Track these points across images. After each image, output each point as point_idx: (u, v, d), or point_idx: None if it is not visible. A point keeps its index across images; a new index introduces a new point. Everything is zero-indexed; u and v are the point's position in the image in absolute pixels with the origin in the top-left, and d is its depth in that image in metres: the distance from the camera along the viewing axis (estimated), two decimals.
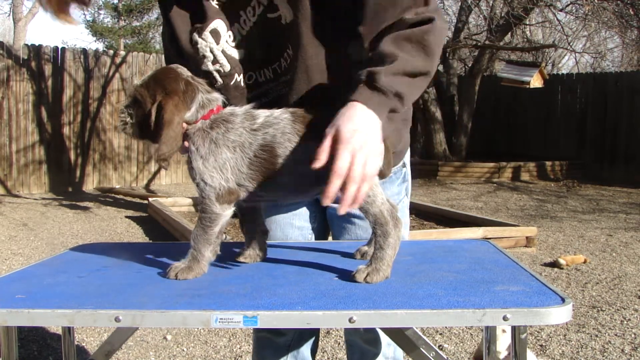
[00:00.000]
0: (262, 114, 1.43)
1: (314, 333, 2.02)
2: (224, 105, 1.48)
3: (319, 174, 1.37)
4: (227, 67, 1.61)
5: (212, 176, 1.39)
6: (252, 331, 3.35)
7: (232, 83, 1.62)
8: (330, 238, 1.94)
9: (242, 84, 1.62)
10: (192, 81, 1.44)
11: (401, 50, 1.39)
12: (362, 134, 1.29)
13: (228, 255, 1.57)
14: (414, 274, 1.42)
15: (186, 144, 1.44)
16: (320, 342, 3.46)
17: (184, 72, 1.45)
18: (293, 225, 1.86)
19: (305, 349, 1.98)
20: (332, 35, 1.54)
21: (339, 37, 1.54)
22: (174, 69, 1.46)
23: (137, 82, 1.45)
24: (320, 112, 1.42)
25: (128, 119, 1.44)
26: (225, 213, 1.42)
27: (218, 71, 1.61)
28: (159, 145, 1.38)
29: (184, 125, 1.43)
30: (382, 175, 1.43)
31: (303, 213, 1.87)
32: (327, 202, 1.29)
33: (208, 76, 1.60)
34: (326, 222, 1.91)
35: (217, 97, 1.47)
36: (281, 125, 1.40)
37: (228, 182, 1.39)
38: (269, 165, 1.40)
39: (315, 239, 1.91)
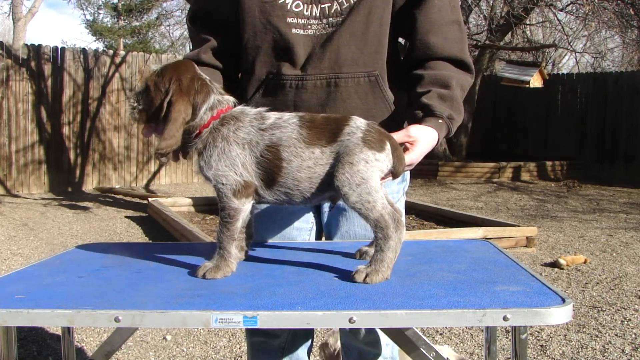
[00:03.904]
0: (273, 115, 1.45)
1: (308, 334, 2.01)
2: (234, 106, 1.50)
3: (324, 180, 1.38)
4: None
5: (226, 176, 1.41)
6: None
7: (279, 1, 1.67)
8: (323, 238, 1.94)
9: (288, 7, 1.67)
10: (209, 83, 1.47)
11: (461, 102, 1.69)
12: (421, 157, 1.61)
13: None
14: (414, 274, 1.42)
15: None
16: (320, 342, 3.45)
17: (202, 74, 1.48)
18: (292, 226, 1.87)
19: (301, 350, 1.98)
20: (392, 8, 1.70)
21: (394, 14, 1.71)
22: (192, 66, 1.48)
23: (154, 69, 1.47)
24: (326, 117, 1.44)
25: (136, 104, 1.46)
26: (245, 207, 1.44)
27: None
28: (159, 141, 1.41)
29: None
30: (395, 174, 1.44)
31: (302, 214, 1.87)
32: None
33: None
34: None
35: (229, 99, 1.49)
36: (288, 129, 1.41)
37: (242, 176, 1.41)
38: (273, 167, 1.41)
39: (314, 239, 1.91)
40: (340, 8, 1.66)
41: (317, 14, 1.67)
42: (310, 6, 1.67)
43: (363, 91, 1.68)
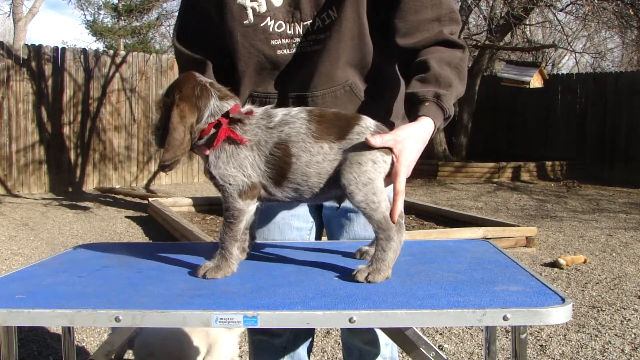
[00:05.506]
0: (280, 112, 1.44)
1: (309, 333, 2.02)
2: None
3: (332, 176, 1.38)
4: (264, 9, 1.65)
5: (234, 176, 1.40)
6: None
7: (261, 25, 1.65)
8: (325, 238, 1.94)
9: (271, 29, 1.66)
10: (209, 87, 1.44)
11: (451, 75, 1.56)
12: (418, 153, 1.45)
13: None
14: (414, 274, 1.43)
15: (206, 151, 1.44)
16: (320, 342, 3.46)
17: (203, 79, 1.46)
18: (291, 226, 1.86)
19: (302, 349, 1.98)
20: (370, 19, 1.65)
21: (373, 25, 1.65)
22: (193, 75, 1.46)
23: (161, 93, 1.46)
24: (336, 113, 1.44)
25: (157, 132, 1.46)
26: (249, 208, 1.43)
27: (253, 9, 1.65)
28: (163, 152, 1.39)
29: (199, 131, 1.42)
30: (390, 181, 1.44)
31: (301, 214, 1.87)
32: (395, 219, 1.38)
33: (241, 11, 1.64)
34: (322, 222, 1.91)
35: (231, 102, 1.46)
36: (297, 124, 1.41)
37: (250, 177, 1.41)
38: (283, 164, 1.41)
39: (314, 239, 1.91)
40: (322, 24, 1.63)
41: (301, 32, 1.65)
42: (292, 25, 1.65)
43: (342, 102, 1.67)
